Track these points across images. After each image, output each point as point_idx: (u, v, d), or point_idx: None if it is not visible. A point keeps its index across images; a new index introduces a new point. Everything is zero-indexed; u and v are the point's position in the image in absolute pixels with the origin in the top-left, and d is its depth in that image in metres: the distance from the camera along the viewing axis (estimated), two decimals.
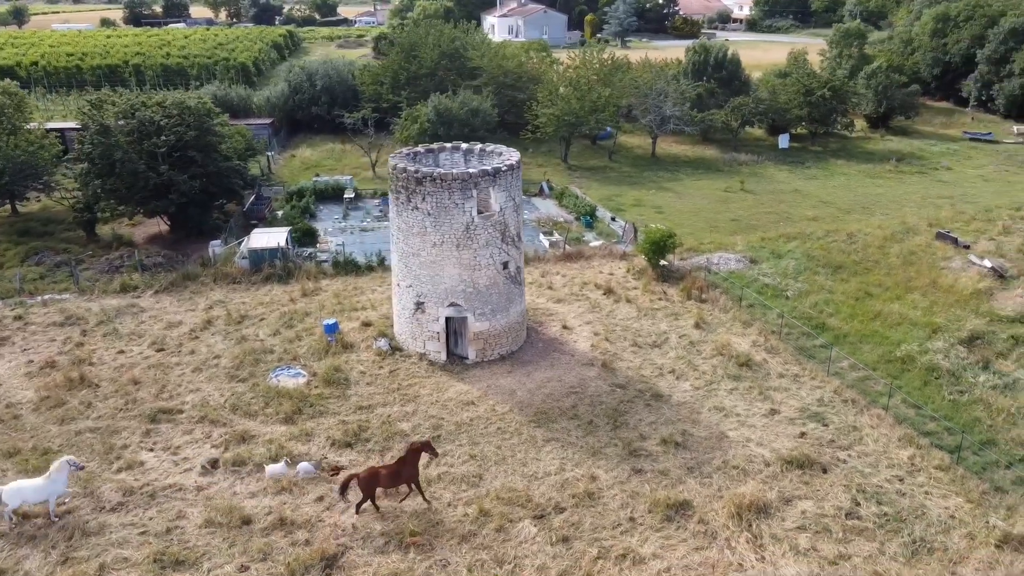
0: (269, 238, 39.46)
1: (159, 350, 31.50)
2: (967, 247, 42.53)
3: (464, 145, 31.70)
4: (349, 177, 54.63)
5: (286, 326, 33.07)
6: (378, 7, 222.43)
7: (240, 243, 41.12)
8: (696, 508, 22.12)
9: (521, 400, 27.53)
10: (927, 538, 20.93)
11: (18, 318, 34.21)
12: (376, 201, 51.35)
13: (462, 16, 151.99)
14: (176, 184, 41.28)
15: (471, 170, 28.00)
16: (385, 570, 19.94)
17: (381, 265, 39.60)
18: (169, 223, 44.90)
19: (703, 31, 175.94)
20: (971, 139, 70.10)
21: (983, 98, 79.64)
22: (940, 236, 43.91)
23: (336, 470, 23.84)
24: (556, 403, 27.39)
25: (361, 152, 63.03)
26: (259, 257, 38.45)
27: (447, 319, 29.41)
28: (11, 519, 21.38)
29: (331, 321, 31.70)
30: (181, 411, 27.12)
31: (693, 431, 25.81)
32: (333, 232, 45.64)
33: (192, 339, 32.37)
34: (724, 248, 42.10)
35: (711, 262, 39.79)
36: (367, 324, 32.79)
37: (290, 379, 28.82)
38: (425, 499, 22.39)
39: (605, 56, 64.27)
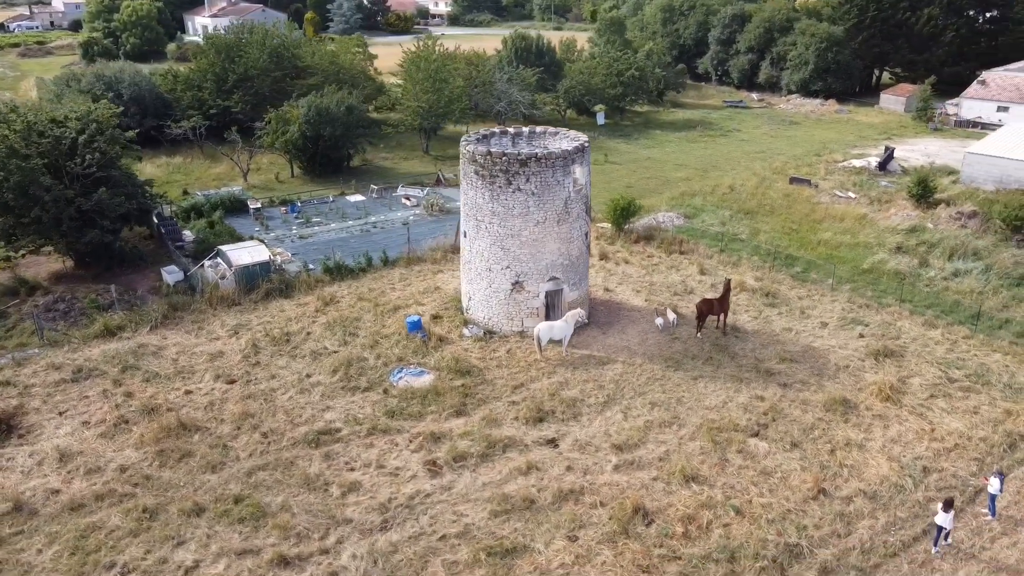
0: (252, 254, 36.30)
1: (230, 382, 28.45)
2: (816, 186, 52.79)
3: (511, 130, 32.85)
4: (239, 188, 50.62)
5: (349, 334, 31.53)
6: (35, 10, 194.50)
7: (203, 265, 36.98)
8: (854, 401, 26.92)
9: (643, 353, 30.08)
10: (1010, 382, 28.00)
11: (7, 384, 28.27)
12: (283, 209, 48.40)
13: (168, 17, 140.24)
14: (107, 209, 35.96)
15: (567, 147, 29.64)
16: (693, 502, 21.86)
17: (370, 266, 38.62)
18: (74, 256, 38.53)
19: (415, 26, 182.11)
20: (730, 107, 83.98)
21: (719, 73, 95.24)
22: (794, 180, 53.79)
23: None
24: (670, 349, 30.41)
25: (207, 164, 58.39)
26: (251, 274, 35.35)
27: (545, 293, 30.74)
28: (544, 348, 29.02)
29: (414, 318, 31.10)
30: (338, 429, 25.43)
31: (790, 348, 30.56)
32: (272, 242, 42.67)
33: (253, 365, 29.60)
34: (652, 211, 47.40)
35: (659, 221, 44.87)
36: (436, 317, 32.60)
37: (416, 378, 28.15)
38: (724, 331, 30.64)
39: (439, 48, 65.78)
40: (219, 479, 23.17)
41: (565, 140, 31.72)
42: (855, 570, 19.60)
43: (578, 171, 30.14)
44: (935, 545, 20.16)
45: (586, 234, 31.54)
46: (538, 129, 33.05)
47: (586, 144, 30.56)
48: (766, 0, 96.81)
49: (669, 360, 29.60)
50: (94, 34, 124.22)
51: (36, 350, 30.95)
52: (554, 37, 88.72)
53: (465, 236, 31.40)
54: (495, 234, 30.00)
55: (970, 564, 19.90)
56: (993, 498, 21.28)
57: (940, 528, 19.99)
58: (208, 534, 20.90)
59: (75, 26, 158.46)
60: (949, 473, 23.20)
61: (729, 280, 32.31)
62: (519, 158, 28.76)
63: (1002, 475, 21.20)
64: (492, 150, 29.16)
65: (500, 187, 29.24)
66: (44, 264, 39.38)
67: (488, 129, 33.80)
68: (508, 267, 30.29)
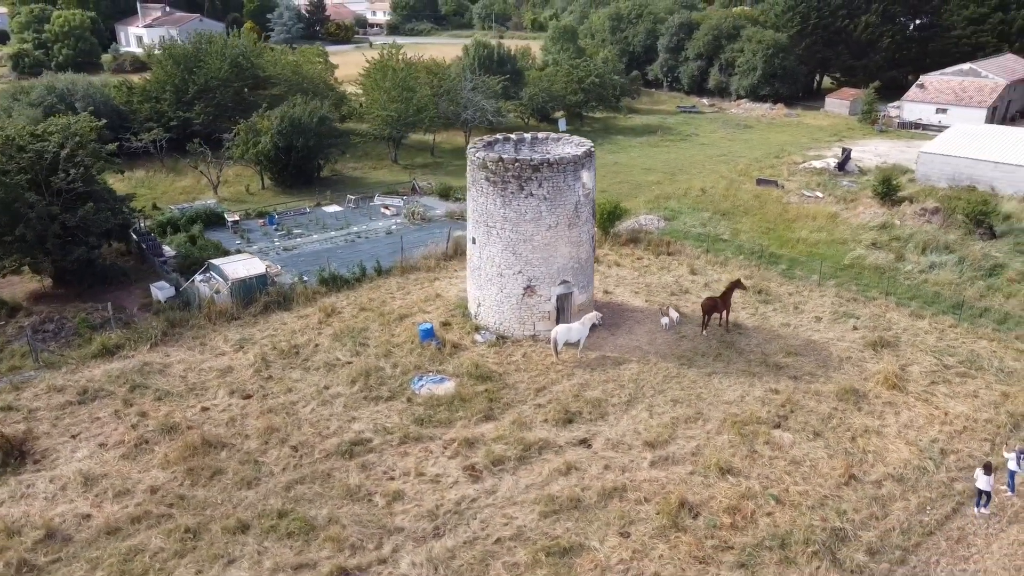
0: (247, 267, 35.64)
1: (246, 397, 27.95)
2: (782, 187, 54.62)
3: (513, 136, 33.16)
4: (213, 201, 49.58)
5: (359, 345, 31.30)
6: None
7: (195, 280, 36.09)
8: (862, 391, 28.08)
9: (655, 352, 30.73)
10: (1000, 367, 29.62)
11: (10, 408, 27.17)
12: (261, 221, 47.57)
13: (101, 27, 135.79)
14: (91, 225, 34.86)
15: (576, 152, 30.12)
16: (733, 493, 22.53)
17: (364, 275, 38.33)
18: (54, 275, 37.11)
19: (356, 36, 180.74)
20: (684, 112, 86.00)
21: (669, 79, 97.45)
22: (761, 182, 55.53)
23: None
24: (679, 347, 31.14)
25: (170, 177, 57.03)
26: (248, 288, 34.72)
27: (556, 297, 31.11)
28: (560, 351, 29.49)
29: (427, 326, 31.06)
30: (369, 440, 25.26)
31: (792, 343, 31.65)
32: (256, 255, 41.86)
33: (266, 379, 29.14)
34: (633, 214, 48.26)
35: (642, 224, 45.77)
36: (446, 324, 32.62)
37: (437, 385, 28.14)
38: (727, 328, 31.67)
39: (403, 56, 65.56)
40: (257, 495, 22.77)
41: (569, 145, 32.23)
42: (899, 549, 20.53)
43: (585, 175, 30.67)
44: (978, 508, 21.41)
45: (592, 237, 32.09)
46: (540, 135, 33.46)
47: (592, 149, 31.13)
48: (704, 8, 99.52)
49: (681, 358, 30.32)
50: (24, 45, 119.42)
51: (32, 372, 29.80)
52: (511, 46, 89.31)
53: (474, 242, 31.55)
54: (507, 239, 30.25)
55: (1001, 537, 21.08)
56: (1012, 475, 22.56)
57: (982, 492, 21.19)
58: (258, 551, 20.55)
59: None
60: (965, 454, 24.46)
61: (739, 280, 33.16)
62: (531, 163, 29.11)
63: (1022, 452, 22.49)
64: (505, 157, 29.42)
65: (512, 193, 29.51)
66: (19, 284, 37.85)
67: (486, 137, 34.05)
68: (520, 272, 30.56)
